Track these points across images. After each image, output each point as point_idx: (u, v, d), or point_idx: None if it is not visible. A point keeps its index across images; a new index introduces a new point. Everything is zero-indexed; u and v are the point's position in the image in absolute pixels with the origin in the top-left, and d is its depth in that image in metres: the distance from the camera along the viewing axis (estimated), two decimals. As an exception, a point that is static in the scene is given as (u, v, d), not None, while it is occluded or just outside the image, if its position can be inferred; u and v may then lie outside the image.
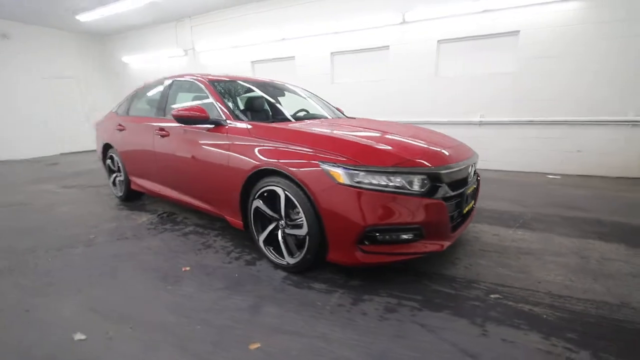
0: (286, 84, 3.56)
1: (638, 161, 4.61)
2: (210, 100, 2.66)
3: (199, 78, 2.89)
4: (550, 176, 4.94)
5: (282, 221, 2.13)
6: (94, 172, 6.03)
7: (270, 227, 2.19)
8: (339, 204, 1.78)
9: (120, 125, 3.63)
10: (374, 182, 1.77)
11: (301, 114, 3.19)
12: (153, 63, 8.95)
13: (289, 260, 2.10)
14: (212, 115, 2.51)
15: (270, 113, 2.97)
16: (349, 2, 6.03)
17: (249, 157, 2.15)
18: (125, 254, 2.49)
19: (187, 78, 3.03)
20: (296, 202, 1.94)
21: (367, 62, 6.25)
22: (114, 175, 3.99)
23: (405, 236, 1.84)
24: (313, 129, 2.25)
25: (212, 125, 2.50)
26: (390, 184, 1.78)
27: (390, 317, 1.68)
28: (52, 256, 2.48)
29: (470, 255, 2.37)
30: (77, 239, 2.82)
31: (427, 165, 1.86)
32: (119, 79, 9.83)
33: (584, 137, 4.86)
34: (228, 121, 2.44)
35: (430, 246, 1.90)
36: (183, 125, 2.71)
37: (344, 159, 1.81)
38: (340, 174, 1.78)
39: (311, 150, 1.92)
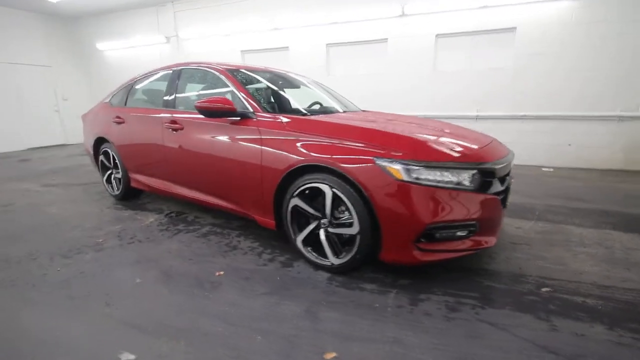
0: (298, 75, 3.41)
1: (623, 154, 4.91)
2: (232, 91, 2.48)
3: (217, 67, 2.68)
4: (545, 169, 5.15)
5: (325, 220, 2.02)
6: (72, 169, 5.56)
7: (311, 226, 2.08)
8: (398, 201, 1.71)
9: (118, 117, 3.32)
10: (433, 177, 1.71)
11: (316, 106, 3.07)
12: (131, 50, 8.34)
13: (333, 260, 2.01)
14: (237, 108, 2.33)
15: (291, 105, 2.82)
16: (346, -7, 5.90)
17: (290, 152, 2.01)
18: (145, 259, 2.28)
19: (201, 67, 2.81)
20: (346, 200, 1.84)
21: (364, 55, 6.17)
22: (108, 172, 3.67)
23: (461, 233, 1.80)
24: (357, 122, 2.15)
25: (237, 118, 2.32)
26: (449, 179, 1.73)
27: (456, 317, 1.64)
28: (60, 264, 2.22)
29: (503, 249, 2.39)
30: (81, 243, 2.55)
31: (484, 160, 1.83)
32: (92, 67, 9.09)
33: (574, 132, 5.10)
34: (257, 114, 2.28)
35: (483, 242, 1.88)
36: (205, 117, 2.51)
37: (400, 154, 1.74)
38: (399, 170, 1.70)
39: (362, 145, 1.82)
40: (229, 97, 2.50)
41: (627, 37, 4.53)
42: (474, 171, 1.78)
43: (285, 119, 2.18)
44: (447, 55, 5.59)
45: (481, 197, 1.79)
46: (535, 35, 4.98)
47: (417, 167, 1.70)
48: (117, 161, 3.45)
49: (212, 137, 2.46)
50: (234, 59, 7.17)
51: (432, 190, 1.70)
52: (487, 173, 1.84)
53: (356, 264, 1.95)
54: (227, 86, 2.55)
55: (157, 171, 3.05)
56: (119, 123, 3.31)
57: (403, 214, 1.71)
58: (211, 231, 2.77)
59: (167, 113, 2.84)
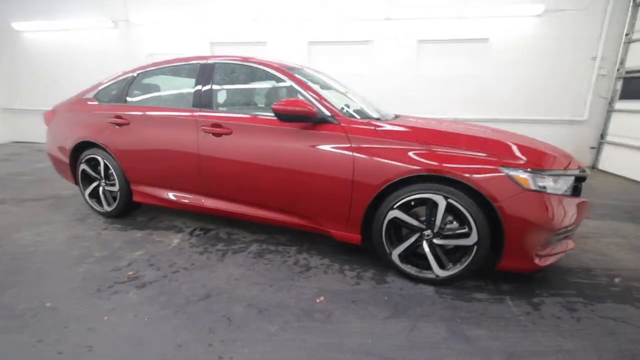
0: (319, 72, 3.18)
1: (574, 155, 5.79)
2: (300, 93, 2.21)
3: (271, 64, 2.36)
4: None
5: (428, 232, 1.93)
6: (9, 179, 4.39)
7: (412, 239, 1.97)
8: (527, 210, 1.71)
9: (118, 117, 2.70)
10: (553, 185, 1.77)
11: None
12: (63, 35, 6.90)
13: (439, 273, 1.93)
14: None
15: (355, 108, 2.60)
16: (330, -9, 5.79)
17: (399, 162, 1.86)
18: (214, 292, 1.90)
19: (248, 63, 2.43)
20: (464, 210, 1.78)
21: (347, 56, 6.14)
22: (94, 184, 2.97)
23: (563, 236, 1.90)
24: (458, 130, 2.11)
25: (311, 123, 2.08)
26: (562, 186, 1.81)
27: (580, 316, 1.72)
28: (101, 311, 1.70)
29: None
30: (108, 279, 2.00)
31: (579, 167, 1.95)
32: (5, 52, 7.28)
33: (532, 134, 5.84)
34: (338, 118, 2.07)
35: (571, 243, 2.02)
36: (265, 121, 2.20)
37: (527, 164, 1.75)
38: (527, 179, 1.71)
39: (485, 155, 1.78)
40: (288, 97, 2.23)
41: (578, 51, 5.35)
42: (574, 177, 1.90)
43: (378, 125, 2.02)
44: (429, 60, 5.89)
45: (578, 200, 1.90)
46: (504, 46, 5.55)
47: (542, 176, 1.74)
48: (112, 171, 2.81)
49: (278, 143, 2.15)
50: (201, 52, 6.47)
51: (554, 197, 1.75)
52: (581, 179, 1.97)
53: (467, 275, 1.91)
54: (289, 86, 2.27)
55: (183, 183, 2.57)
56: (119, 125, 2.69)
57: (532, 223, 1.72)
58: (263, 249, 2.44)
59: (204, 114, 2.40)
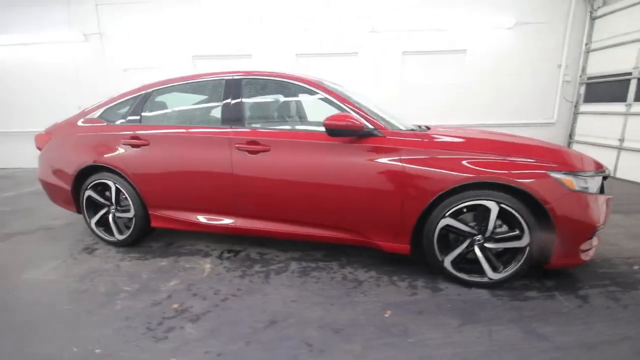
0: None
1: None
2: (340, 107, 2.21)
3: (307, 79, 2.35)
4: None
5: (479, 237, 2.01)
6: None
7: (464, 245, 2.03)
8: (574, 210, 1.85)
9: (135, 137, 2.52)
10: (591, 185, 1.92)
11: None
12: (24, 50, 6.33)
13: (492, 276, 2.01)
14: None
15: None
16: (314, 3, 5.89)
17: (452, 171, 1.92)
18: (277, 316, 1.81)
19: (281, 78, 2.39)
20: (516, 214, 1.88)
21: (334, 67, 6.24)
22: (102, 211, 2.73)
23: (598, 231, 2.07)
24: (500, 137, 2.23)
25: (356, 137, 2.09)
26: (595, 185, 1.97)
27: (627, 304, 1.88)
28: (161, 352, 1.56)
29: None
30: (153, 315, 1.84)
31: (603, 167, 2.14)
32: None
33: (511, 136, 6.31)
34: (382, 131, 2.10)
35: (597, 238, 2.20)
36: (304, 137, 2.19)
37: (571, 167, 1.89)
38: (572, 181, 1.85)
39: (533, 160, 1.90)
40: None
41: (545, 60, 5.89)
42: (602, 177, 2.08)
43: (424, 137, 2.08)
44: (413, 70, 6.16)
45: (606, 197, 2.08)
46: (481, 56, 5.97)
47: (583, 178, 1.88)
48: (125, 196, 2.60)
49: (324, 159, 2.13)
50: (184, 66, 6.25)
51: (593, 196, 1.90)
52: (604, 177, 2.16)
53: (518, 276, 2.00)
54: (327, 101, 2.26)
55: (214, 204, 2.44)
56: (135, 146, 2.52)
57: (579, 221, 1.86)
58: (304, 267, 2.38)
59: (238, 131, 2.31)
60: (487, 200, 1.91)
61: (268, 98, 2.52)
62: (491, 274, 2.01)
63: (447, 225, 2.00)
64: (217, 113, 2.45)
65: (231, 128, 2.34)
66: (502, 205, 1.90)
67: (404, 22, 5.84)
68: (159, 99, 2.69)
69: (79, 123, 2.81)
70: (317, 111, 2.42)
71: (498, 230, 2.00)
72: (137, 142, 2.51)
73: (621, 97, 4.97)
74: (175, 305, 1.94)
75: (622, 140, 4.97)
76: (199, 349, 1.58)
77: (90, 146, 2.67)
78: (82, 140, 2.72)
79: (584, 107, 5.85)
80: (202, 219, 2.51)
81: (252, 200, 2.35)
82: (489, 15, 5.77)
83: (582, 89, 5.85)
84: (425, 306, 1.90)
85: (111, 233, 2.74)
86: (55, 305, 1.97)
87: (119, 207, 2.70)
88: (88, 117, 2.81)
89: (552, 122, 6.17)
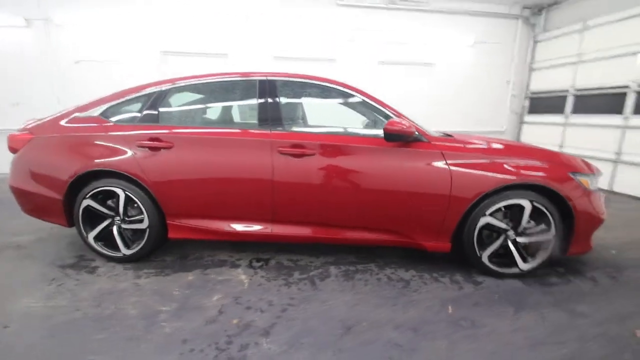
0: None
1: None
2: (383, 112, 2.28)
3: (346, 85, 2.39)
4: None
5: (511, 232, 2.23)
6: None
7: (500, 240, 2.23)
8: (589, 205, 2.16)
9: (155, 139, 2.25)
10: (598, 184, 2.27)
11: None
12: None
13: (523, 267, 2.24)
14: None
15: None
16: (296, 7, 5.88)
17: (495, 173, 2.10)
18: (348, 322, 1.79)
19: (317, 81, 2.38)
20: (545, 210, 2.14)
21: (311, 72, 6.26)
22: (105, 223, 2.38)
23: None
24: (521, 144, 2.46)
25: (404, 142, 2.18)
26: (597, 184, 2.33)
27: (629, 280, 2.26)
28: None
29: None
30: (211, 333, 1.68)
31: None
32: None
33: (470, 142, 7.02)
34: (426, 136, 2.22)
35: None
36: (350, 140, 2.21)
37: (585, 169, 2.21)
38: (588, 182, 2.17)
39: (557, 164, 2.18)
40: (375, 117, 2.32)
41: (497, 76, 6.69)
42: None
43: (463, 142, 2.24)
44: (388, 79, 6.48)
45: (604, 195, 2.47)
46: (447, 70, 6.55)
47: (594, 178, 2.22)
48: (138, 204, 2.31)
49: (374, 163, 2.17)
50: (150, 61, 5.72)
51: (599, 193, 2.25)
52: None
53: (544, 265, 2.27)
54: (368, 106, 2.32)
55: (249, 211, 2.30)
56: (155, 148, 2.25)
57: (593, 215, 2.18)
58: (345, 271, 2.37)
59: (281, 134, 2.22)
60: (522, 199, 2.14)
61: (307, 100, 2.47)
62: (522, 265, 2.24)
63: (488, 224, 2.19)
64: (250, 115, 2.33)
65: (270, 130, 2.25)
66: (535, 204, 2.14)
67: (381, 33, 6.15)
68: (179, 97, 2.46)
69: (70, 122, 2.41)
70: (363, 114, 2.44)
71: (527, 225, 2.24)
72: (157, 144, 2.25)
73: (560, 110, 5.88)
74: (235, 321, 1.79)
75: (561, 146, 5.88)
76: (290, 363, 1.50)
77: (92, 148, 2.32)
78: (79, 141, 2.35)
79: (528, 118, 6.78)
80: (236, 227, 2.34)
81: (294, 206, 2.27)
82: (454, 34, 6.37)
83: (527, 102, 6.78)
84: (477, 299, 2.04)
85: (115, 248, 2.40)
86: (82, 337, 1.66)
87: (126, 218, 2.38)
88: (84, 114, 2.43)
89: (502, 131, 7.01)
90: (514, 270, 2.26)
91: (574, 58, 5.57)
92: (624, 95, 4.71)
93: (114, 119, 2.40)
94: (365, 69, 6.31)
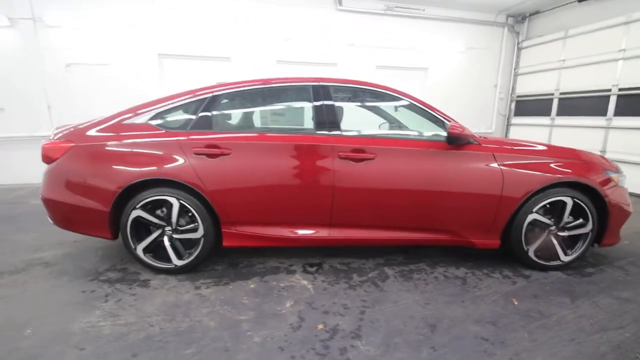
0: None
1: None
2: (435, 116, 2.39)
3: (391, 88, 2.49)
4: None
5: (553, 227, 2.41)
6: None
7: (544, 235, 2.41)
8: (620, 200, 2.39)
9: (212, 146, 2.20)
10: (623, 181, 2.51)
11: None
12: None
13: (564, 259, 2.43)
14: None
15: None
16: (297, 12, 5.91)
17: (543, 172, 2.27)
18: (429, 320, 1.86)
19: (375, 88, 2.49)
20: (584, 206, 2.34)
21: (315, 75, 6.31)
22: (155, 234, 2.30)
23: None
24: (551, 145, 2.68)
25: (456, 145, 2.29)
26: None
27: (651, 269, 2.51)
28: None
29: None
30: (303, 340, 1.68)
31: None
32: None
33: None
34: (476, 139, 2.35)
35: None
36: (405, 144, 2.31)
37: (614, 168, 2.44)
38: (618, 178, 2.40)
39: (595, 162, 2.39)
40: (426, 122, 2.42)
41: (486, 80, 7.09)
42: (616, 173, 2.73)
43: (517, 143, 2.41)
44: (385, 82, 6.64)
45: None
46: (440, 74, 6.85)
47: (622, 175, 2.45)
48: (193, 213, 2.25)
49: (433, 166, 2.27)
50: (147, 64, 5.50)
51: (625, 189, 2.49)
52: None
53: (581, 257, 2.47)
54: (418, 110, 2.41)
55: (307, 215, 2.31)
56: (212, 155, 2.20)
57: (623, 209, 2.40)
58: (400, 272, 2.44)
59: (339, 138, 2.26)
60: (565, 196, 2.33)
61: (358, 105, 2.52)
62: (563, 257, 2.43)
63: (535, 220, 2.35)
64: (306, 120, 2.35)
65: (329, 135, 2.28)
66: (575, 200, 2.33)
67: (378, 39, 6.32)
68: (231, 103, 2.42)
69: (115, 129, 2.29)
70: (412, 117, 2.52)
71: (566, 220, 2.43)
72: (215, 151, 2.20)
73: (546, 112, 6.34)
74: (321, 326, 1.80)
75: (548, 146, 6.34)
76: (396, 363, 1.54)
77: (143, 156, 2.23)
78: (128, 148, 2.24)
79: (514, 120, 7.24)
80: (294, 232, 2.34)
81: (354, 209, 2.31)
82: (446, 40, 6.67)
83: (513, 105, 7.23)
84: (534, 291, 2.19)
85: (164, 259, 2.32)
86: (169, 353, 1.60)
87: (178, 228, 2.31)
88: (129, 121, 2.33)
89: (491, 132, 7.43)
90: (556, 262, 2.44)
91: (558, 64, 6.04)
92: (607, 98, 5.18)
93: (163, 125, 2.32)
94: (365, 72, 6.43)
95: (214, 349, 1.63)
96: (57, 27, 5.07)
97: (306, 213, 2.32)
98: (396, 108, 2.55)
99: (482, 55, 6.97)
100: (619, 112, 5.07)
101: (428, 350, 1.63)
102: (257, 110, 2.55)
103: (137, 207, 2.23)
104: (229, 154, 2.22)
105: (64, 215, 2.35)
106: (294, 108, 2.51)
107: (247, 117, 2.50)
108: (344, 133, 2.33)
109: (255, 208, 2.30)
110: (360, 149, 2.25)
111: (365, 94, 2.53)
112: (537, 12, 6.64)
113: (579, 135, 5.67)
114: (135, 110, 2.37)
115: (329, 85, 2.41)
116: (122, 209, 2.26)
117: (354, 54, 6.33)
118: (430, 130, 2.43)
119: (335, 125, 2.33)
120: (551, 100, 6.23)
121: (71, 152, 2.27)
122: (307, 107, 2.40)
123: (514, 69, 7.08)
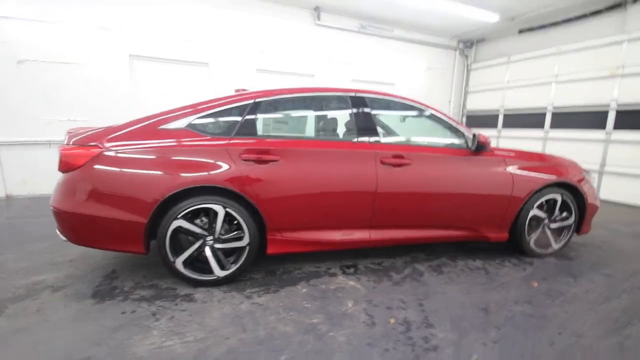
0: None
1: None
2: (454, 127, 2.69)
3: (423, 103, 2.70)
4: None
5: (547, 220, 2.87)
6: None
7: (540, 228, 2.85)
8: (593, 197, 2.94)
9: (262, 152, 2.18)
10: (593, 182, 3.10)
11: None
12: None
13: (555, 247, 2.90)
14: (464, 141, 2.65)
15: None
16: (276, 23, 5.99)
17: (544, 174, 2.70)
18: (480, 305, 2.09)
19: (404, 100, 2.71)
20: (570, 202, 2.84)
21: (292, 85, 6.41)
22: (196, 245, 2.18)
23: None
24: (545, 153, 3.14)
25: (476, 152, 2.62)
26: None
27: None
28: None
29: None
30: (386, 335, 1.78)
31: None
32: None
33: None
34: (488, 146, 2.70)
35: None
36: (433, 150, 2.58)
37: (586, 170, 3.00)
38: (591, 179, 2.96)
39: (576, 166, 2.91)
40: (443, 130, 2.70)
41: (443, 96, 7.93)
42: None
43: (511, 151, 2.80)
44: (358, 95, 7.04)
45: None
46: (406, 89, 7.45)
47: (590, 176, 3.03)
48: (238, 221, 2.20)
49: (461, 170, 2.55)
50: (117, 65, 5.05)
51: (594, 188, 3.08)
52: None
53: (567, 244, 2.97)
54: (440, 122, 2.70)
55: (350, 219, 2.40)
56: (260, 162, 2.19)
57: (594, 204, 2.96)
58: (428, 267, 2.66)
59: (381, 145, 2.42)
60: (556, 194, 2.80)
61: (389, 114, 2.71)
62: (554, 245, 2.90)
63: (534, 216, 2.78)
64: (346, 128, 2.47)
65: (370, 142, 2.43)
66: (564, 197, 2.82)
67: (355, 56, 6.72)
68: (274, 109, 2.42)
69: (150, 135, 2.14)
70: (435, 128, 2.77)
71: (556, 214, 2.91)
72: (265, 157, 2.19)
73: (493, 125, 7.33)
74: (392, 320, 1.91)
75: (496, 155, 7.31)
76: (477, 343, 1.72)
77: (186, 163, 2.11)
78: (168, 155, 2.10)
79: (466, 132, 8.18)
80: (336, 236, 2.41)
81: (393, 211, 2.47)
82: (410, 60, 7.35)
83: (464, 119, 8.18)
84: (542, 274, 2.58)
85: (204, 271, 2.21)
86: None
87: (220, 237, 2.22)
88: (166, 126, 2.19)
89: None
90: (549, 250, 2.90)
91: (502, 84, 7.07)
92: (543, 115, 6.22)
93: (204, 131, 2.23)
94: (340, 85, 6.75)
95: (306, 352, 1.63)
96: (7, 18, 4.41)
97: (350, 216, 2.42)
98: (419, 117, 2.79)
99: (440, 75, 7.81)
100: (554, 125, 6.13)
101: (494, 329, 1.85)
102: (300, 117, 2.59)
103: (179, 216, 2.10)
104: (277, 161, 2.23)
105: (87, 229, 2.10)
106: (332, 116, 2.60)
107: (291, 123, 2.53)
108: (382, 140, 2.51)
109: (302, 213, 2.32)
110: (399, 155, 2.44)
111: (396, 104, 2.73)
112: (483, 40, 7.69)
113: (522, 144, 6.67)
114: (174, 113, 2.24)
115: (364, 96, 2.57)
116: (157, 220, 2.11)
117: (330, 67, 6.60)
118: (449, 138, 2.73)
119: (375, 132, 2.49)
120: (497, 115, 7.23)
121: (99, 159, 2.05)
122: (345, 115, 2.53)
123: (465, 88, 8.06)
